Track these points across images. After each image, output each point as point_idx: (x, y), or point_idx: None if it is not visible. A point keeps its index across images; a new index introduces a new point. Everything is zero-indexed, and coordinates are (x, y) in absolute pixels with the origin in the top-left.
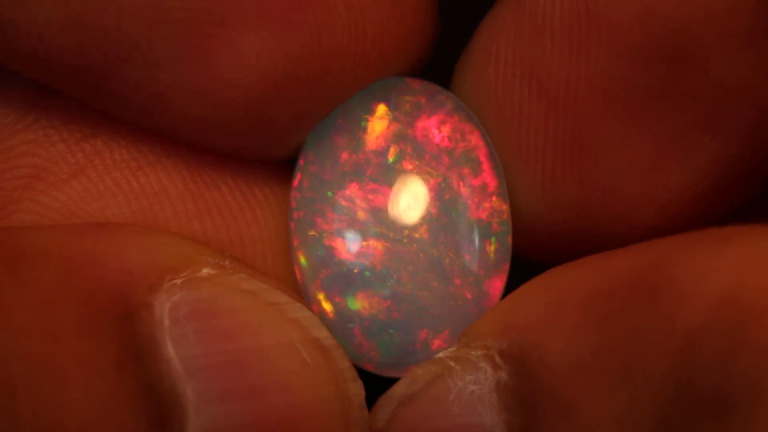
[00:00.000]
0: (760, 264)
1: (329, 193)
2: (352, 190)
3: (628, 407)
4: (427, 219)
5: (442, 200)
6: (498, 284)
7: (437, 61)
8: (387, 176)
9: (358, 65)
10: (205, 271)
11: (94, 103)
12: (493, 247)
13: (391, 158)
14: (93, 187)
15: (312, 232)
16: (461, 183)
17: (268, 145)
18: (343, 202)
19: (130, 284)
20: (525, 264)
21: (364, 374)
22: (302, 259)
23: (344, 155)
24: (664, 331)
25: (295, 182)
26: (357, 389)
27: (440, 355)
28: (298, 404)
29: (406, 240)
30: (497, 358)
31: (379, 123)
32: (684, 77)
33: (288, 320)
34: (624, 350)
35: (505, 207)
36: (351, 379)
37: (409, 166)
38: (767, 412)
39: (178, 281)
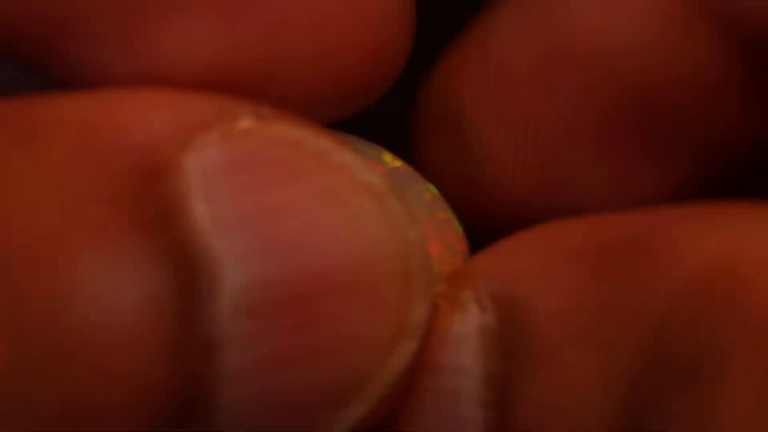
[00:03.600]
0: (756, 237)
1: None
2: None
3: (606, 366)
4: None
5: None
6: None
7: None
8: None
9: (313, 67)
10: (244, 122)
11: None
12: None
13: None
14: None
15: None
16: None
17: None
18: None
19: (157, 142)
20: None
21: None
22: None
23: None
24: (650, 292)
25: None
26: (416, 233)
27: None
28: (347, 253)
29: None
30: (486, 301)
31: None
32: (651, 118)
33: (333, 166)
34: (610, 309)
35: None
36: (408, 223)
37: None
38: (736, 385)
39: (214, 136)
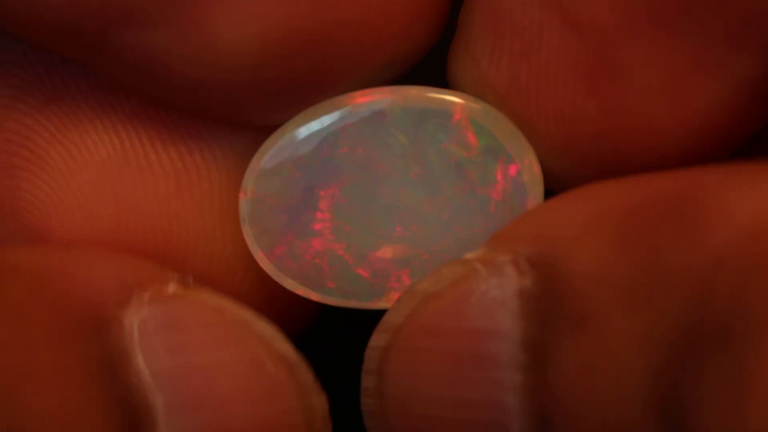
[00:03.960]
0: None
1: None
2: None
3: (644, 328)
4: None
5: None
6: None
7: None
8: None
9: (362, 33)
10: (172, 286)
11: (90, 66)
12: None
13: None
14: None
15: None
16: None
17: (267, 110)
18: None
19: (100, 298)
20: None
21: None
22: None
23: None
24: (690, 255)
25: None
26: (321, 401)
27: (468, 256)
28: (264, 415)
29: None
30: (524, 265)
31: None
32: None
33: (253, 335)
34: (649, 272)
35: None
36: (315, 391)
37: None
38: None
39: (146, 296)
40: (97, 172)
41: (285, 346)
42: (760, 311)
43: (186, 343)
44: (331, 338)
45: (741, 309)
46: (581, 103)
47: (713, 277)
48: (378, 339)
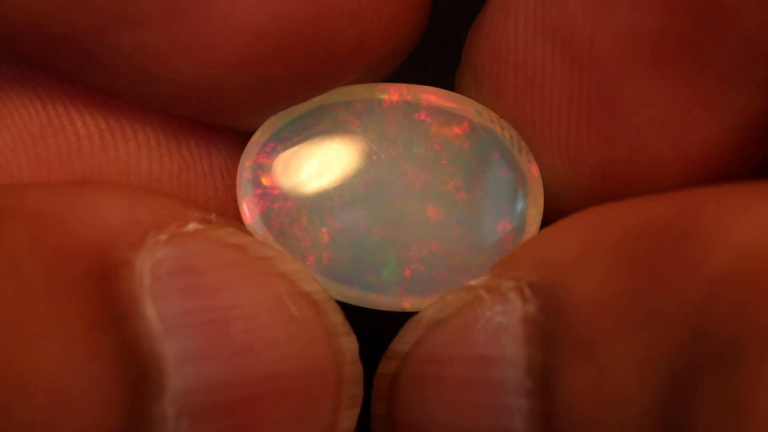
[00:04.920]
0: None
1: None
2: None
3: (645, 352)
4: None
5: None
6: None
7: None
8: None
9: (354, 22)
10: (191, 225)
11: (83, 76)
12: None
13: None
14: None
15: None
16: None
17: (263, 109)
18: None
19: (110, 242)
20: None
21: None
22: None
23: None
24: (688, 278)
25: None
26: (350, 344)
27: (472, 283)
28: (286, 360)
29: None
30: (527, 292)
31: None
32: (710, 28)
33: (276, 274)
34: (648, 294)
35: None
36: (344, 333)
37: None
38: None
39: (163, 237)
40: (18, 133)
41: (312, 285)
42: (757, 334)
43: (201, 285)
44: None
45: (738, 333)
46: (584, 137)
47: (710, 301)
48: (386, 366)
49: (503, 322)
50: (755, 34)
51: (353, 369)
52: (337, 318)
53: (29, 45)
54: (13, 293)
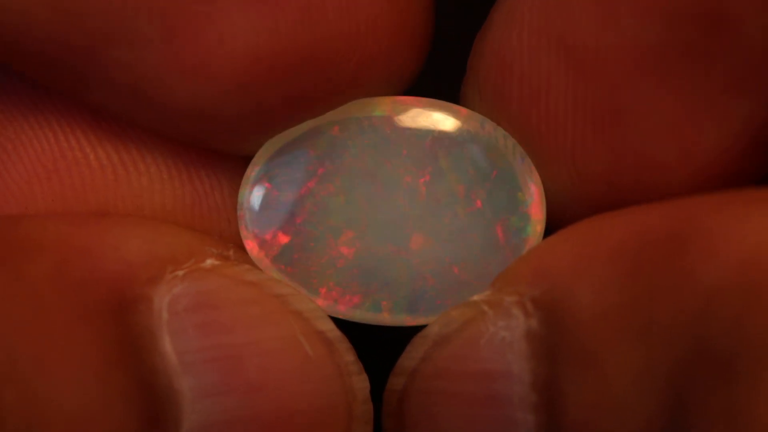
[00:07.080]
0: None
1: None
2: None
3: (645, 362)
4: None
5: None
6: None
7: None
8: None
9: (351, 49)
10: (209, 261)
11: (79, 95)
12: None
13: None
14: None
15: None
16: None
17: (260, 133)
18: None
19: (129, 276)
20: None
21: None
22: None
23: None
24: (687, 287)
25: None
26: (362, 383)
27: (475, 298)
28: (299, 398)
29: None
30: (529, 306)
31: None
32: (715, 38)
33: (290, 312)
34: (647, 304)
35: None
36: (356, 372)
37: None
38: None
39: (180, 273)
40: (32, 166)
41: (326, 324)
42: (754, 346)
43: (217, 321)
44: None
45: (736, 344)
46: (589, 146)
47: (708, 312)
48: (394, 382)
49: (507, 337)
50: (761, 42)
51: (364, 408)
52: (350, 357)
53: (26, 62)
54: (33, 323)
